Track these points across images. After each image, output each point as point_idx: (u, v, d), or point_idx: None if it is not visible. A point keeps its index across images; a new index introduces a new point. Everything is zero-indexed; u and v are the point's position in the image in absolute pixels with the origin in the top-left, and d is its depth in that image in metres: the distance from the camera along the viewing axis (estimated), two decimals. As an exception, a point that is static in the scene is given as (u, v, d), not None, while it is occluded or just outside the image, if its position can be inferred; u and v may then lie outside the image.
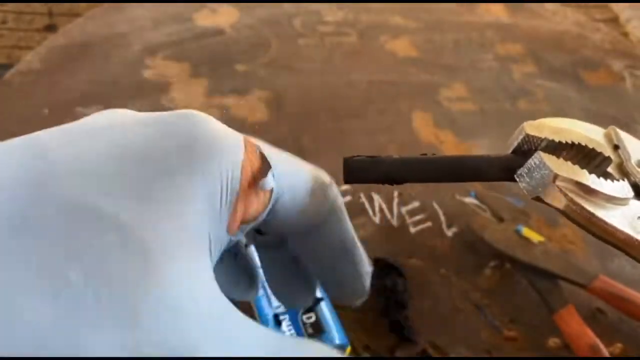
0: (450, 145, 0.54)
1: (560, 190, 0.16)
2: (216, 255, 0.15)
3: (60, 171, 0.13)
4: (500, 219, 0.44)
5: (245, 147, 0.15)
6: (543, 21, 0.77)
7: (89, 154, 0.13)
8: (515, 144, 0.18)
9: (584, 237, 0.47)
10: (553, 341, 0.39)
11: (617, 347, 0.39)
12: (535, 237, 0.42)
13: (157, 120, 0.15)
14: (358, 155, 0.18)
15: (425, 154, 0.18)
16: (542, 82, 0.65)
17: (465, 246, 0.45)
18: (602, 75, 0.68)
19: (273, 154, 0.17)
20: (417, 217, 0.47)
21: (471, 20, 0.75)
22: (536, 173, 0.17)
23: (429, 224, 0.46)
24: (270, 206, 0.17)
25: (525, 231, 0.42)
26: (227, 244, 0.15)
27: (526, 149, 0.18)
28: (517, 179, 0.17)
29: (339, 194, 0.19)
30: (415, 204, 0.48)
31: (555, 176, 0.16)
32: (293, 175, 0.18)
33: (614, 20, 0.80)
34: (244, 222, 0.16)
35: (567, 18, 0.78)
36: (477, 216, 0.44)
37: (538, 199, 0.17)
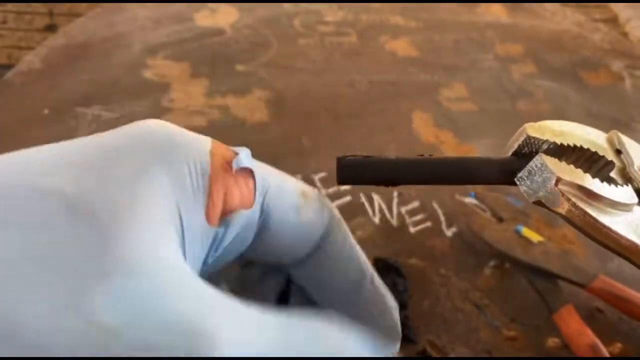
0: (450, 146, 0.54)
1: (563, 195, 0.16)
2: (199, 246, 0.14)
3: (26, 162, 0.13)
4: (500, 219, 0.44)
5: (212, 143, 0.16)
6: (543, 21, 0.77)
7: (57, 150, 0.14)
8: (516, 145, 0.18)
9: (584, 237, 0.47)
10: (553, 341, 0.39)
11: (617, 347, 0.39)
12: (534, 237, 0.42)
13: (122, 128, 0.15)
14: (353, 155, 0.17)
15: (423, 155, 0.17)
16: (542, 82, 0.65)
17: (465, 246, 0.45)
18: (602, 75, 0.68)
19: (259, 166, 0.17)
20: (417, 217, 0.47)
21: (471, 20, 0.75)
22: (537, 176, 0.16)
23: (428, 224, 0.46)
24: (258, 203, 0.16)
25: (525, 231, 0.42)
26: (212, 237, 0.15)
27: (527, 152, 0.17)
28: (518, 182, 0.17)
29: (334, 207, 0.18)
30: (415, 204, 0.48)
31: (558, 179, 0.16)
32: (282, 185, 0.17)
33: (614, 20, 0.80)
34: (227, 212, 0.15)
35: (566, 18, 0.78)
36: (477, 216, 0.44)
37: (539, 203, 0.16)
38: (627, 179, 0.17)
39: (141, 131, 0.15)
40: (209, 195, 0.14)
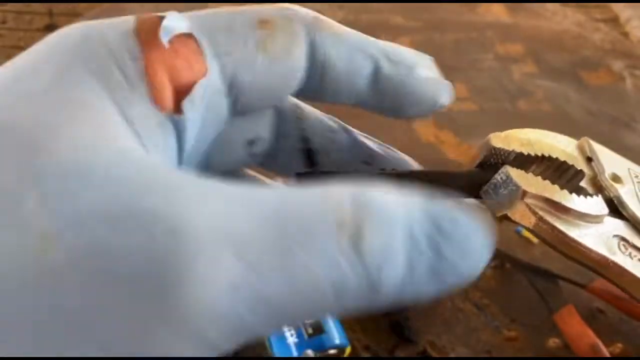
0: (450, 145, 0.54)
1: (529, 208, 0.15)
2: (161, 139, 0.13)
3: None
4: (500, 219, 0.44)
5: (137, 20, 0.14)
6: (543, 21, 0.77)
7: None
8: (482, 157, 0.17)
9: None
10: (553, 341, 0.39)
11: (617, 347, 0.39)
12: (535, 237, 0.42)
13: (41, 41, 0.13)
14: (310, 171, 0.16)
15: (384, 169, 0.16)
16: (542, 82, 0.65)
17: (465, 246, 0.45)
18: (602, 75, 0.68)
19: (198, 19, 0.14)
20: (417, 217, 0.47)
21: (471, 20, 0.75)
22: (503, 189, 0.15)
23: (429, 224, 0.46)
24: (214, 66, 0.13)
25: (525, 231, 0.42)
26: (174, 125, 0.13)
27: (493, 163, 0.17)
28: (482, 196, 0.16)
29: (311, 13, 0.15)
30: (415, 204, 0.48)
31: (524, 193, 0.15)
32: (230, 25, 0.14)
33: (614, 20, 0.80)
34: (181, 91, 0.13)
35: (567, 18, 0.78)
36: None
37: (505, 217, 0.16)
38: (597, 188, 0.17)
39: (56, 36, 0.13)
40: (148, 78, 0.12)
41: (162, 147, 0.12)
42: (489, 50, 0.69)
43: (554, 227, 0.15)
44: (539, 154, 0.16)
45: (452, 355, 0.37)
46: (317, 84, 0.15)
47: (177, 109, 0.13)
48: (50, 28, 0.68)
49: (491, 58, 0.68)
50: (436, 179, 0.16)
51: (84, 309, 0.09)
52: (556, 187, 0.15)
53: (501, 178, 0.15)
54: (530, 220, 0.15)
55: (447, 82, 0.17)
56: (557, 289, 0.40)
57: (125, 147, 0.11)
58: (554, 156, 0.17)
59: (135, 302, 0.09)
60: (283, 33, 0.14)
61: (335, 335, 0.33)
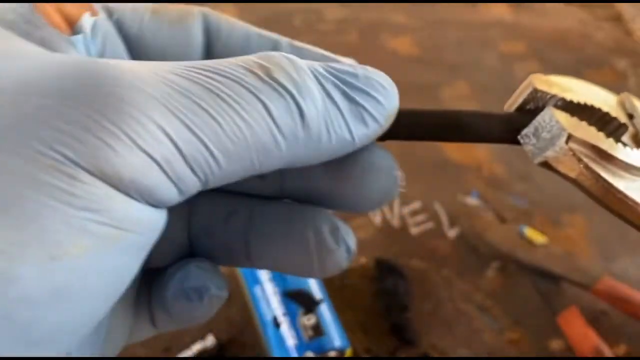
0: (451, 145, 0.54)
1: (574, 154, 0.13)
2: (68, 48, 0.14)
3: None
4: (503, 220, 0.44)
5: None
6: (546, 20, 0.77)
7: None
8: (521, 100, 0.15)
9: (588, 238, 0.47)
10: (556, 343, 0.39)
11: (621, 349, 0.39)
12: (538, 238, 0.42)
13: None
14: None
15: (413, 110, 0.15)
16: (545, 80, 0.65)
17: (467, 247, 0.44)
18: (606, 73, 0.68)
19: None
20: (419, 218, 0.46)
21: (474, 18, 0.75)
22: (545, 133, 0.14)
23: (430, 225, 0.46)
24: (103, 16, 0.15)
25: (528, 232, 0.42)
26: (78, 43, 0.14)
27: (532, 107, 0.15)
28: (522, 140, 0.15)
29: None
30: (417, 204, 0.47)
31: (569, 137, 0.13)
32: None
33: (618, 19, 0.79)
34: (69, 20, 0.14)
35: (570, 16, 0.78)
36: (480, 217, 0.44)
37: (545, 164, 0.14)
38: (639, 144, 0.15)
39: None
40: (37, 10, 0.13)
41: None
42: (492, 48, 0.69)
43: (599, 177, 0.13)
44: (582, 102, 0.15)
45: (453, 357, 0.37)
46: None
47: (75, 30, 0.14)
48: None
49: (494, 57, 0.68)
50: (470, 120, 0.15)
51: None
52: (602, 135, 0.14)
53: (544, 120, 0.14)
54: (574, 169, 0.14)
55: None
56: (561, 291, 0.40)
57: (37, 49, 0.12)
58: (597, 106, 0.15)
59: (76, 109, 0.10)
60: (177, 9, 0.15)
61: (336, 337, 0.33)
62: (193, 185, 0.11)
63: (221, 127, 0.11)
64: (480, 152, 0.54)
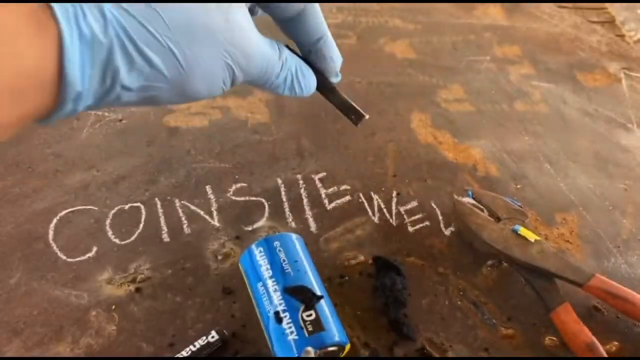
0: (448, 146, 0.55)
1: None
2: None
3: None
4: (498, 219, 0.44)
5: None
6: (540, 23, 0.78)
7: None
8: None
9: (581, 236, 0.48)
10: (550, 339, 0.40)
11: (614, 345, 0.40)
12: (532, 236, 0.42)
13: None
14: None
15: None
16: (539, 83, 0.66)
17: (463, 245, 0.45)
18: (599, 76, 0.69)
19: None
20: (416, 217, 0.47)
21: (469, 22, 0.76)
22: None
23: (427, 223, 0.47)
24: None
25: (522, 230, 0.43)
26: None
27: None
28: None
29: None
30: (414, 203, 0.48)
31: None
32: None
33: (611, 22, 0.80)
34: None
35: (563, 20, 0.79)
36: (475, 216, 0.44)
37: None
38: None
39: None
40: None
41: None
42: (486, 52, 0.70)
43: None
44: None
45: (449, 352, 0.38)
46: None
47: None
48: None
49: (488, 60, 0.69)
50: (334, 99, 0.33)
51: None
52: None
53: None
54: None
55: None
56: (554, 288, 0.40)
57: None
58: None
59: None
60: None
61: (335, 332, 0.33)
62: None
63: None
64: (476, 153, 0.54)
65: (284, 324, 0.33)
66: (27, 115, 0.20)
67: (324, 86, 0.31)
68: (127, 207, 0.44)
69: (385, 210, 0.47)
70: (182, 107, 0.56)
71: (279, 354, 0.33)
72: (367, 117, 0.31)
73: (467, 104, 0.61)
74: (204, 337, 0.36)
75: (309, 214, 0.46)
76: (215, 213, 0.45)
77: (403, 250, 0.44)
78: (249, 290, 0.37)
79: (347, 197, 0.48)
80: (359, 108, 0.31)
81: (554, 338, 0.40)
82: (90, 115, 0.54)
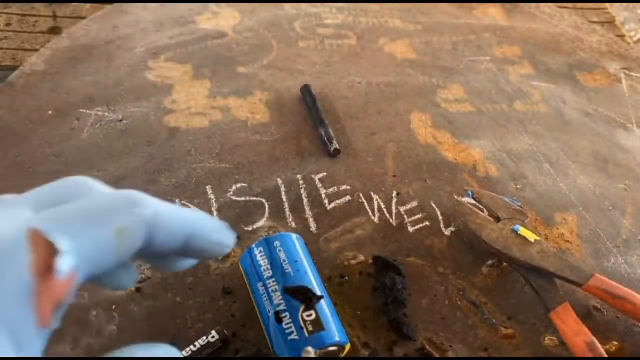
0: (448, 146, 0.55)
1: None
2: (37, 346, 0.16)
3: None
4: (497, 219, 0.44)
5: (31, 242, 0.15)
6: (540, 23, 0.78)
7: None
8: None
9: (581, 236, 0.48)
10: (549, 339, 0.40)
11: (613, 345, 0.40)
12: (531, 236, 0.42)
13: None
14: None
15: None
16: (539, 83, 0.66)
17: (462, 245, 0.45)
18: (598, 76, 0.69)
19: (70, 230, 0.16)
20: (416, 217, 0.47)
21: (469, 22, 0.76)
22: None
23: (427, 223, 0.47)
24: (79, 279, 0.16)
25: (522, 230, 0.43)
26: (49, 330, 0.16)
27: None
28: None
29: (144, 210, 0.18)
30: (414, 203, 0.48)
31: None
32: (97, 249, 0.17)
33: (610, 22, 0.80)
34: (58, 305, 0.16)
35: (563, 20, 0.79)
36: (475, 215, 0.45)
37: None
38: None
39: None
40: (39, 303, 0.15)
41: (35, 350, 0.16)
42: (486, 52, 0.70)
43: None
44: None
45: (449, 352, 0.38)
46: (145, 250, 0.19)
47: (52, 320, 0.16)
48: (54, 30, 0.68)
49: (488, 60, 0.69)
50: None
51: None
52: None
53: None
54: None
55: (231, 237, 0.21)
56: (554, 287, 0.40)
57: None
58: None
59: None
60: (134, 238, 0.17)
61: (335, 332, 0.33)
62: None
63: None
64: (476, 153, 0.54)
65: (284, 324, 0.33)
66: None
67: None
68: (127, 207, 0.44)
69: (385, 210, 0.47)
70: (182, 107, 0.56)
71: (279, 354, 0.33)
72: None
73: (467, 104, 0.61)
74: (204, 337, 0.36)
75: (309, 214, 0.46)
76: (215, 213, 0.45)
77: (403, 250, 0.44)
78: (249, 290, 0.37)
79: (347, 197, 0.48)
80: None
81: (554, 338, 0.40)
82: (91, 115, 0.54)
